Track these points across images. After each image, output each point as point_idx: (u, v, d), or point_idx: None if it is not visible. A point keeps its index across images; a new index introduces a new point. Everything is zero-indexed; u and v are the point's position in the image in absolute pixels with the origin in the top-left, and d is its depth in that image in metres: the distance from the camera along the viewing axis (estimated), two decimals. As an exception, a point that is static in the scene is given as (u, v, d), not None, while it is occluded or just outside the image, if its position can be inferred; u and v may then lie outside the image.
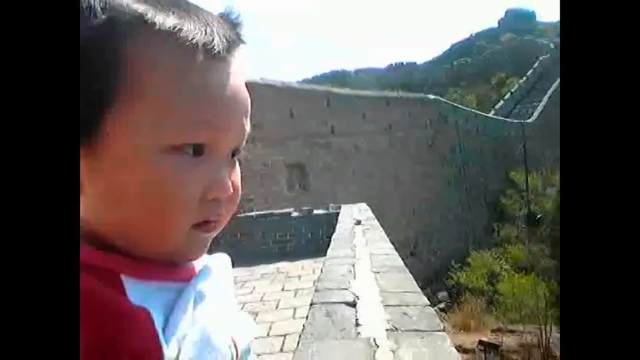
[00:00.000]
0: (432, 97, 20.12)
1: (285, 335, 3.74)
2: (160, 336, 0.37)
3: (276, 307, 4.58)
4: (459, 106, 22.95)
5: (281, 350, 3.47)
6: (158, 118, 0.39)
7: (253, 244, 7.66)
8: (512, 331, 10.24)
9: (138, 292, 0.38)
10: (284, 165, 12.66)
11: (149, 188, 0.39)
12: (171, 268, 0.45)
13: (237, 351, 0.45)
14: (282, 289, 5.30)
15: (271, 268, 6.53)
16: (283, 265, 6.63)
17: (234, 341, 0.45)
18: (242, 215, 7.92)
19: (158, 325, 0.37)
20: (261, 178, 11.36)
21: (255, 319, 3.92)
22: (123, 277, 0.39)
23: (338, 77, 57.11)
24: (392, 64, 70.60)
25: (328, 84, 18.91)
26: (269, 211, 8.47)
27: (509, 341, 9.70)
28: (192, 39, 0.40)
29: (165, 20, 0.39)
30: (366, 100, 16.01)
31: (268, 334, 3.80)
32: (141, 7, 0.39)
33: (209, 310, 0.43)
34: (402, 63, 70.09)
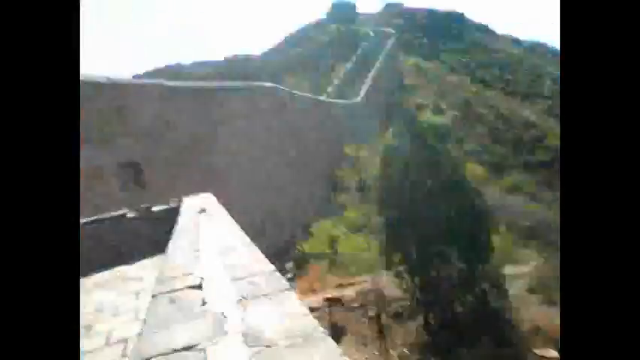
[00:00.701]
0: (269, 85, 20.79)
1: (126, 340, 3.49)
2: None
3: (115, 314, 4.12)
4: (296, 92, 24.17)
5: (123, 357, 3.21)
6: None
7: (84, 255, 7.01)
8: (351, 284, 11.61)
9: None
10: (116, 164, 11.96)
11: None
12: None
13: None
14: (121, 294, 4.89)
15: (107, 275, 6.00)
16: (122, 270, 6.14)
17: None
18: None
19: None
20: (88, 181, 10.59)
21: (90, 331, 3.42)
22: None
23: (173, 71, 54.64)
24: (229, 57, 70.11)
25: (163, 77, 18.23)
26: (99, 216, 7.73)
27: (349, 292, 10.99)
28: None
29: None
30: (204, 92, 15.87)
31: (107, 343, 3.40)
32: None
33: None
34: (239, 55, 70.08)
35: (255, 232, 14.39)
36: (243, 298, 2.19)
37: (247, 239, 3.54)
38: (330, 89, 33.62)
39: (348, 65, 40.20)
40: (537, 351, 7.96)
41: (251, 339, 1.73)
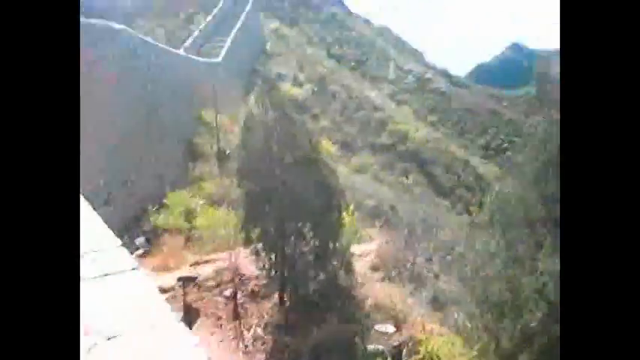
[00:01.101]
0: (118, 27, 18.22)
1: None
2: None
3: None
4: (150, 40, 21.72)
5: None
6: None
7: None
8: (207, 261, 11.36)
9: None
10: None
11: None
12: None
13: None
14: None
15: None
16: None
17: None
18: None
19: None
20: None
21: None
22: None
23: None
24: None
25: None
26: None
27: (205, 270, 10.76)
28: None
29: None
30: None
31: None
32: None
33: None
34: (77, -19, 59.89)
35: (100, 202, 12.90)
36: (82, 278, 1.87)
37: (89, 207, 3.02)
38: (188, 43, 31.14)
39: (209, 18, 37.73)
40: (377, 327, 8.94)
41: (90, 327, 1.46)
